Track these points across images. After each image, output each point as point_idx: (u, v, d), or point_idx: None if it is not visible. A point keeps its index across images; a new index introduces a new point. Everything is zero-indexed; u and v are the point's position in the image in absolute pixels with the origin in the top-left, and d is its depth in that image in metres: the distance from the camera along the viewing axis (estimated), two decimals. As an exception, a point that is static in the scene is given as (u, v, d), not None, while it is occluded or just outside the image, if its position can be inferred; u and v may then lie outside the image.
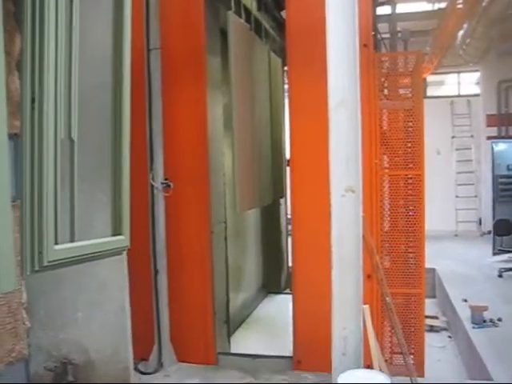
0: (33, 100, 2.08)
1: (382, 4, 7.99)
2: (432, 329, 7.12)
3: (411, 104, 4.42)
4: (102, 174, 3.59)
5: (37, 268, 2.08)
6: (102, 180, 3.64)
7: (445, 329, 7.33)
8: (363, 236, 3.45)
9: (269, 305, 7.55)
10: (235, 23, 4.54)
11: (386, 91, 4.60)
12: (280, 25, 6.04)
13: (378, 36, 6.28)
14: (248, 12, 5.05)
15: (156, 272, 4.56)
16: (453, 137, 14.00)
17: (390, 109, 4.55)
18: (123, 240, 2.12)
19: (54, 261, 2.14)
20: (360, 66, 3.47)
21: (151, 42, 4.41)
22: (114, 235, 2.19)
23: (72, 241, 2.31)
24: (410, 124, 4.44)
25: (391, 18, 8.23)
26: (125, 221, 2.06)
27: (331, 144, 3.30)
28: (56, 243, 2.18)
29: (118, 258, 3.85)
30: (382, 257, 4.58)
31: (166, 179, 4.49)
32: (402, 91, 4.55)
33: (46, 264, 2.09)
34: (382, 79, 4.51)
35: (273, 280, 8.02)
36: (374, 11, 5.57)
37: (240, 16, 4.77)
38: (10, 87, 3.81)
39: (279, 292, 7.91)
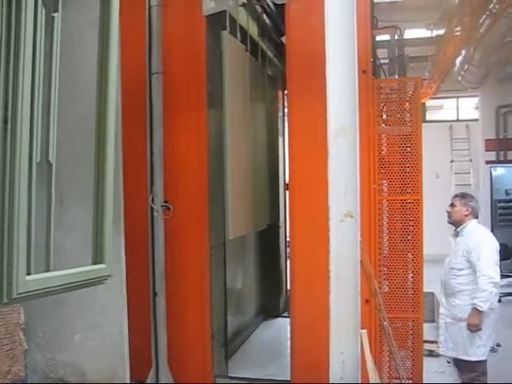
0: (5, 121, 1.88)
1: (384, 33, 8.08)
2: (431, 354, 7.05)
3: (409, 129, 4.47)
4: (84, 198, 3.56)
5: (5, 301, 1.92)
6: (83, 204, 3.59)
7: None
8: (361, 261, 3.47)
9: (267, 328, 7.51)
10: (230, 43, 4.57)
11: (384, 116, 4.65)
12: (281, 51, 6.12)
13: (377, 62, 6.36)
14: (249, 37, 5.12)
15: (155, 294, 4.56)
16: (452, 161, 14.06)
17: (388, 134, 4.59)
18: (104, 269, 2.01)
19: (24, 292, 1.97)
20: (359, 93, 3.50)
21: (153, 66, 4.47)
22: (94, 263, 2.09)
23: (47, 270, 2.12)
24: (409, 149, 4.48)
25: (390, 44, 8.32)
26: (106, 248, 1.97)
27: (330, 170, 3.32)
28: (28, 273, 1.98)
29: (119, 280, 3.85)
30: (380, 281, 4.59)
31: (165, 202, 4.52)
32: (400, 117, 4.60)
33: (15, 296, 1.93)
34: (381, 105, 4.56)
35: (271, 303, 7.99)
36: (373, 37, 5.64)
37: (243, 41, 4.83)
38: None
39: (277, 315, 7.88)
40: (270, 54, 6.18)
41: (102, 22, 2.04)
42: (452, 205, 4.92)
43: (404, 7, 8.45)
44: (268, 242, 7.90)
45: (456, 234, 4.95)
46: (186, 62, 4.72)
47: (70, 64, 3.09)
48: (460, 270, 4.68)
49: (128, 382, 3.90)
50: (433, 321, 8.64)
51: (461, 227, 4.82)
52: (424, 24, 9.83)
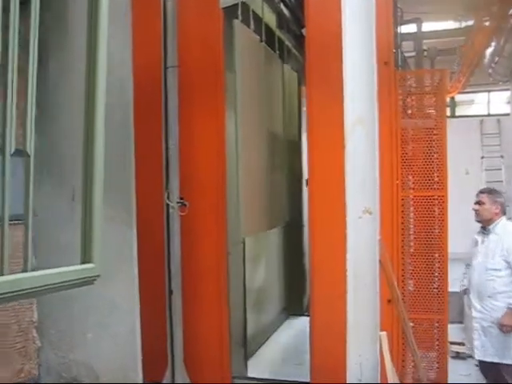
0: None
1: (408, 22, 7.87)
2: (458, 355, 6.85)
3: (434, 123, 4.29)
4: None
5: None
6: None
7: (471, 356, 7.03)
8: (380, 260, 3.31)
9: (290, 327, 7.39)
10: (242, 33, 4.40)
11: (409, 110, 4.48)
12: (301, 43, 5.97)
13: (402, 55, 6.17)
14: (266, 28, 4.98)
15: (170, 292, 4.46)
16: (482, 157, 13.70)
17: (412, 128, 4.42)
18: (92, 269, 1.87)
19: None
20: (380, 84, 3.40)
21: (168, 59, 4.36)
22: (82, 263, 1.95)
23: (25, 271, 1.94)
24: (433, 143, 4.30)
25: (417, 36, 8.10)
26: (95, 246, 1.85)
27: (347, 163, 3.19)
28: (1, 274, 1.81)
29: (129, 277, 3.77)
30: (403, 280, 4.42)
31: (181, 198, 4.41)
32: (424, 110, 4.42)
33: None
34: (405, 97, 4.39)
35: (294, 302, 7.86)
36: (396, 29, 5.47)
37: (259, 32, 4.70)
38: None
39: (301, 314, 7.74)
40: (290, 47, 6.02)
41: (89, 23, 1.92)
42: (479, 202, 4.71)
43: (430, -2, 8.23)
44: (292, 239, 7.78)
45: (484, 233, 4.74)
46: (203, 55, 4.61)
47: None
48: (498, 270, 4.50)
49: (140, 382, 3.82)
50: (460, 322, 8.42)
51: (492, 226, 4.61)
52: (452, 15, 9.55)
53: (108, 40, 3.65)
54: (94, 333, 3.88)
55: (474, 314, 4.78)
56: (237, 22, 4.27)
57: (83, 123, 1.80)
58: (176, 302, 4.47)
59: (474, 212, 4.82)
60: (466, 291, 5.26)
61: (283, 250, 7.72)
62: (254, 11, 4.66)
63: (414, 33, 8.19)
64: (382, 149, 3.79)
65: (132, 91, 3.69)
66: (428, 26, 8.81)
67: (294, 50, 6.15)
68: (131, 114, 3.70)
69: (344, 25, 3.29)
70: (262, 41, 4.84)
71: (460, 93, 12.52)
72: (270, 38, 5.21)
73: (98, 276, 1.86)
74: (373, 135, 3.24)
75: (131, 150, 3.71)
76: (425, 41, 8.68)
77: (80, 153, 3.12)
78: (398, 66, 4.67)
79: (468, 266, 5.30)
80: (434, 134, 4.30)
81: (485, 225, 4.74)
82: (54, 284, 1.72)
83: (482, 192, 4.81)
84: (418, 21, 8.39)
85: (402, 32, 6.98)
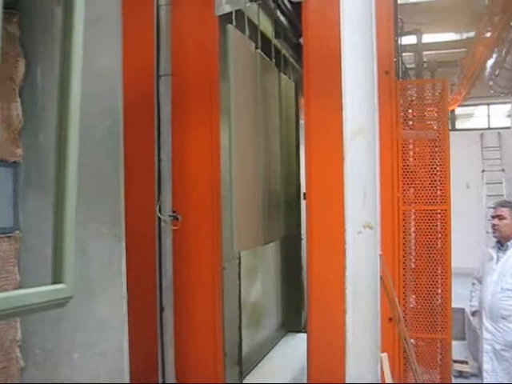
0: None
1: (408, 33, 7.77)
2: (461, 375, 6.66)
3: (436, 134, 4.14)
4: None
5: None
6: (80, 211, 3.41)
7: (475, 375, 6.84)
8: (381, 277, 3.15)
9: (287, 344, 7.20)
10: (236, 38, 4.24)
11: (410, 121, 4.34)
12: (299, 52, 5.85)
13: (403, 66, 6.06)
14: (263, 37, 4.85)
15: (162, 309, 4.29)
16: (483, 170, 13.58)
17: (414, 139, 4.28)
18: (64, 289, 1.70)
19: None
20: (381, 94, 3.29)
21: (161, 67, 4.23)
22: (53, 283, 1.79)
23: None
24: (436, 155, 4.15)
25: (417, 48, 8.00)
26: (67, 265, 1.68)
27: (346, 176, 3.03)
28: None
29: (118, 294, 3.62)
30: (405, 297, 4.25)
31: (174, 211, 4.25)
32: (426, 121, 4.28)
33: None
34: (406, 108, 4.25)
35: (292, 318, 7.68)
36: (397, 39, 5.35)
37: (255, 40, 4.56)
38: (11, 114, 3.67)
39: (299, 331, 7.55)
40: (287, 56, 5.89)
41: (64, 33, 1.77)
42: (499, 217, 4.46)
43: (431, 9, 8.12)
44: (290, 253, 7.61)
45: (501, 249, 4.51)
46: (197, 63, 4.47)
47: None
48: None
49: (127, 403, 3.64)
50: (463, 338, 8.25)
51: (511, 242, 4.38)
52: (452, 27, 9.46)
53: (97, 47, 3.54)
54: (81, 351, 3.72)
55: (486, 335, 4.53)
56: (230, 27, 4.12)
57: (56, 129, 1.65)
58: (168, 319, 4.30)
59: (492, 227, 4.57)
60: (475, 313, 4.99)
61: (281, 264, 7.55)
62: (249, 18, 4.52)
63: (415, 44, 8.07)
64: (383, 161, 3.67)
65: (122, 99, 3.56)
66: (428, 38, 8.73)
67: (291, 60, 6.02)
68: (121, 122, 3.56)
69: (343, 33, 3.18)
70: (257, 48, 4.69)
71: (460, 106, 12.43)
72: (266, 47, 5.08)
73: (70, 297, 1.68)
74: (373, 146, 3.10)
75: (121, 160, 3.56)
76: (425, 53, 8.57)
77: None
78: (398, 75, 4.53)
79: (475, 284, 5.06)
80: (437, 146, 4.15)
81: (503, 241, 4.49)
82: (19, 307, 1.53)
83: (502, 205, 4.55)
84: (418, 32, 8.28)
85: (403, 43, 6.88)
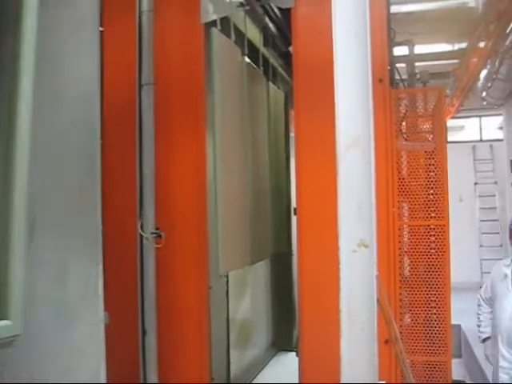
0: None
1: (400, 44, 7.63)
2: (459, 396, 6.41)
3: (433, 145, 3.95)
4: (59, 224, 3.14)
5: None
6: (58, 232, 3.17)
7: (473, 396, 6.62)
8: (378, 299, 2.92)
9: (278, 363, 6.94)
10: (221, 43, 4.01)
11: (404, 131, 4.14)
12: (289, 61, 5.66)
13: (398, 76, 5.88)
14: (251, 45, 4.64)
15: (144, 332, 4.03)
16: (475, 183, 13.47)
17: (409, 151, 4.08)
18: (8, 327, 1.46)
19: None
20: (375, 104, 3.09)
21: (143, 76, 4.00)
22: None
23: None
24: (432, 168, 3.95)
25: (409, 58, 7.86)
26: (12, 300, 1.45)
27: (340, 190, 2.81)
28: None
29: (95, 320, 3.36)
30: (401, 319, 4.03)
31: (157, 228, 4.01)
32: (422, 131, 4.09)
33: None
34: (401, 118, 4.05)
35: (284, 336, 7.42)
36: (391, 48, 5.17)
37: (242, 47, 4.35)
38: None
39: (291, 350, 7.29)
40: (276, 65, 5.69)
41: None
42: None
43: (423, 19, 8.00)
44: (281, 270, 7.37)
45: None
46: (182, 71, 4.25)
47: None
48: None
49: None
50: (459, 356, 8.02)
51: None
52: (445, 37, 9.34)
53: (71, 52, 3.31)
54: (55, 379, 3.46)
55: (502, 363, 4.24)
56: (215, 30, 3.89)
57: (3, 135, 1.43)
58: (150, 342, 4.04)
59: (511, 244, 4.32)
60: (486, 339, 4.67)
61: (271, 281, 7.30)
62: (235, 25, 4.31)
63: (407, 55, 7.91)
64: (378, 174, 3.45)
65: (99, 108, 3.33)
66: (421, 49, 8.59)
67: (280, 69, 5.82)
68: (98, 134, 3.33)
69: (335, 39, 3.00)
70: (244, 55, 4.47)
71: (451, 118, 12.32)
72: (254, 55, 4.87)
73: (17, 335, 1.43)
74: (369, 158, 2.89)
75: (97, 176, 3.32)
76: (417, 64, 8.43)
77: (43, 179, 2.73)
78: (393, 84, 4.34)
79: (481, 306, 4.74)
80: (433, 158, 3.95)
81: None
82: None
83: None
84: (410, 43, 8.12)
85: (395, 54, 6.75)
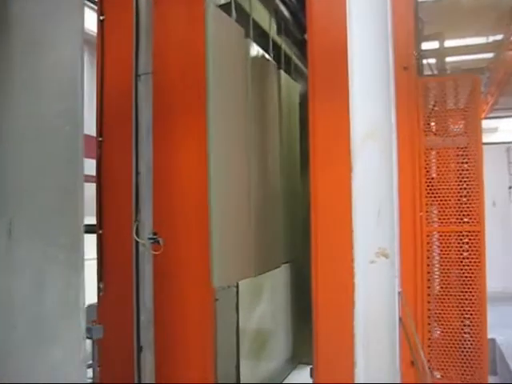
0: None
1: (429, 38, 7.14)
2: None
3: (466, 140, 3.47)
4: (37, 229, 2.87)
5: None
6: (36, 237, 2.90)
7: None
8: (401, 319, 2.48)
9: (298, 377, 6.52)
10: (218, 19, 3.57)
11: (434, 125, 3.68)
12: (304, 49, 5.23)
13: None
14: (264, 33, 4.21)
15: (140, 349, 3.63)
16: (510, 187, 12.85)
17: (439, 148, 3.61)
18: None
19: None
20: (398, 92, 2.73)
21: (140, 65, 3.62)
22: None
23: None
24: (466, 166, 3.48)
25: (439, 53, 7.34)
26: None
27: (355, 189, 2.40)
28: None
29: (76, 335, 2.99)
30: (430, 338, 3.56)
31: (154, 234, 3.60)
32: (454, 125, 3.62)
33: None
34: (430, 110, 3.59)
35: (304, 348, 6.96)
36: (419, 36, 4.72)
37: (248, 31, 3.91)
38: None
39: (311, 363, 6.85)
40: (290, 54, 5.22)
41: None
42: None
43: (454, 8, 7.49)
44: (301, 276, 6.93)
45: None
46: (183, 60, 3.87)
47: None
48: None
49: None
50: (494, 373, 7.45)
51: None
52: (477, 31, 8.79)
53: (53, 39, 3.00)
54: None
55: None
56: (211, 5, 3.44)
57: None
58: (146, 360, 3.65)
59: None
60: None
61: (291, 289, 6.88)
62: (237, 3, 3.86)
63: (436, 49, 7.39)
64: (402, 173, 3.01)
65: (82, 99, 2.95)
66: (451, 43, 8.09)
67: (294, 58, 5.34)
68: (81, 127, 2.95)
69: (349, 21, 2.78)
70: (248, 37, 4.01)
71: (484, 118, 11.78)
72: (263, 42, 4.42)
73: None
74: (389, 153, 2.47)
75: (80, 172, 2.94)
76: (448, 59, 7.91)
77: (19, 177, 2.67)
78: (420, 72, 3.89)
79: None
80: (468, 155, 3.48)
81: None
82: None
83: None
84: (440, 36, 7.60)
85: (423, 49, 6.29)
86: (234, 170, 3.82)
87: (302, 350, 6.96)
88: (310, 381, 5.78)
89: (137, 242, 3.61)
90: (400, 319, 2.47)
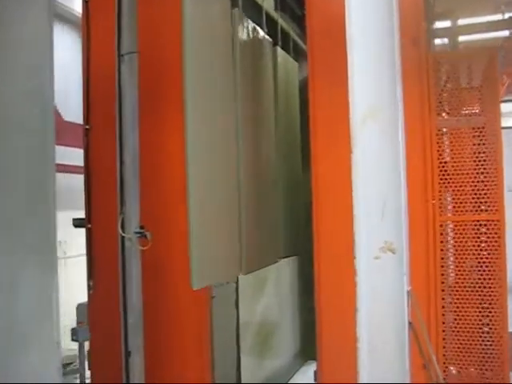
0: None
1: (441, 17, 6.80)
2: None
3: (483, 120, 3.14)
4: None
5: None
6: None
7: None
8: (410, 322, 2.18)
9: (306, 374, 6.27)
10: None
11: (447, 104, 3.35)
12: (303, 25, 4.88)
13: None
14: (260, 10, 3.87)
15: (128, 353, 3.35)
16: (527, 173, 12.43)
17: (452, 128, 3.28)
18: None
19: None
20: (405, 68, 2.44)
21: (124, 44, 3.31)
22: None
23: None
24: (483, 148, 3.15)
25: (451, 32, 6.99)
26: None
27: (355, 175, 2.08)
28: None
29: (50, 340, 2.74)
30: (444, 338, 3.25)
31: (141, 227, 3.31)
32: (469, 103, 3.29)
33: None
34: (441, 87, 3.27)
35: (313, 344, 6.70)
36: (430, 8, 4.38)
37: (250, 16, 3.58)
38: None
39: (319, 360, 6.61)
40: (288, 30, 4.87)
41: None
42: None
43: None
44: (309, 269, 6.64)
45: None
46: (172, 38, 3.54)
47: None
48: None
49: None
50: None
51: None
52: (492, 5, 8.38)
53: (21, 19, 2.75)
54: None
55: None
56: None
57: None
58: (135, 365, 3.38)
59: None
60: None
61: (298, 283, 6.60)
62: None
63: (448, 27, 7.01)
64: (411, 157, 2.70)
65: (53, 83, 2.69)
66: (464, 21, 7.70)
67: (293, 35, 4.98)
68: (51, 114, 2.69)
69: None
70: (235, 6, 3.66)
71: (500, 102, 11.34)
72: (256, 16, 4.08)
73: None
74: (394, 134, 2.15)
75: (51, 165, 2.66)
76: (461, 38, 7.52)
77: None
78: (431, 46, 3.56)
79: None
80: (484, 136, 3.14)
81: None
82: None
83: None
84: (452, 14, 7.23)
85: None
86: (217, 159, 3.50)
87: (311, 346, 6.70)
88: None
89: (123, 237, 3.33)
90: (409, 323, 2.17)
